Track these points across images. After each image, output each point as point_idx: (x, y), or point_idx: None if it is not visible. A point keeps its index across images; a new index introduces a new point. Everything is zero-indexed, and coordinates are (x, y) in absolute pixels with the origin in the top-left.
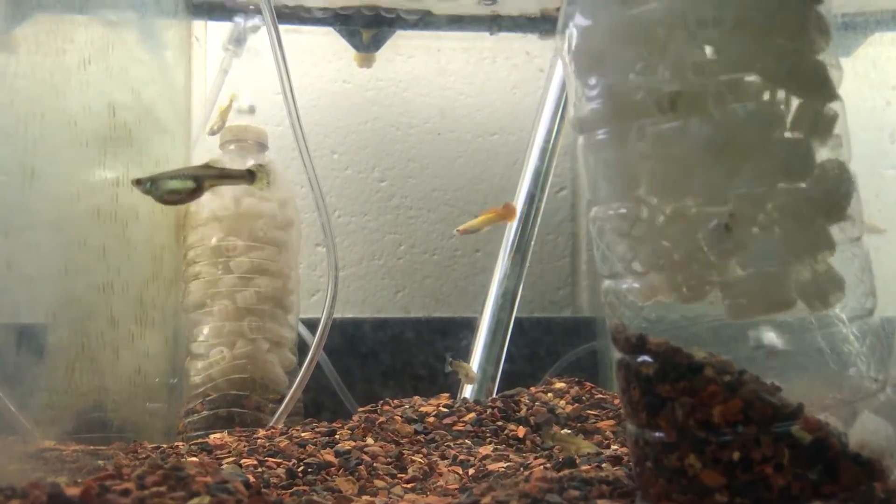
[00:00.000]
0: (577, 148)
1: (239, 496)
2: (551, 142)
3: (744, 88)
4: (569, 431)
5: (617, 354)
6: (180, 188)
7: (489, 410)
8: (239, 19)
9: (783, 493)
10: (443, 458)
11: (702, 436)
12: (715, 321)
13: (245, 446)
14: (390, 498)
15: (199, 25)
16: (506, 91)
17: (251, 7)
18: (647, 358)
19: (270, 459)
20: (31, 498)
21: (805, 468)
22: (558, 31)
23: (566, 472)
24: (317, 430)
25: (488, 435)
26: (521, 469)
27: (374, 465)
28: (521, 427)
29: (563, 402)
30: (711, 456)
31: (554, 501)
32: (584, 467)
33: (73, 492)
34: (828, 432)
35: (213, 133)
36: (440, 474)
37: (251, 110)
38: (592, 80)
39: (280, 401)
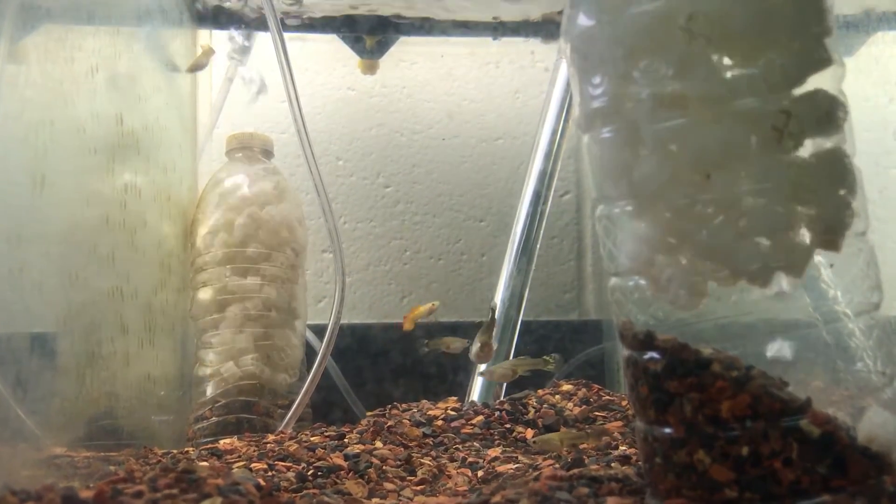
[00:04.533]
0: (583, 147)
1: (250, 497)
2: (556, 144)
3: (747, 87)
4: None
5: (625, 351)
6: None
7: (497, 413)
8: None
9: (792, 488)
10: (452, 460)
11: (710, 431)
12: (722, 318)
13: (255, 451)
14: (400, 500)
15: (203, 34)
16: (510, 95)
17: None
18: (654, 354)
19: (280, 463)
20: (46, 500)
21: (814, 462)
22: (562, 32)
23: (575, 471)
24: (326, 434)
25: (496, 437)
26: (531, 470)
27: (384, 467)
28: (529, 429)
29: (570, 404)
30: (720, 451)
31: (564, 499)
32: (594, 466)
33: (86, 494)
34: (836, 426)
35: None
36: (449, 476)
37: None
38: (596, 79)
39: (288, 406)
